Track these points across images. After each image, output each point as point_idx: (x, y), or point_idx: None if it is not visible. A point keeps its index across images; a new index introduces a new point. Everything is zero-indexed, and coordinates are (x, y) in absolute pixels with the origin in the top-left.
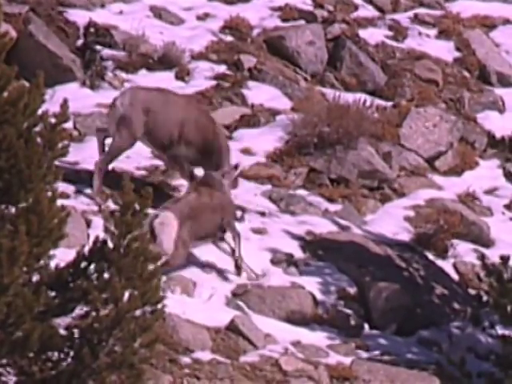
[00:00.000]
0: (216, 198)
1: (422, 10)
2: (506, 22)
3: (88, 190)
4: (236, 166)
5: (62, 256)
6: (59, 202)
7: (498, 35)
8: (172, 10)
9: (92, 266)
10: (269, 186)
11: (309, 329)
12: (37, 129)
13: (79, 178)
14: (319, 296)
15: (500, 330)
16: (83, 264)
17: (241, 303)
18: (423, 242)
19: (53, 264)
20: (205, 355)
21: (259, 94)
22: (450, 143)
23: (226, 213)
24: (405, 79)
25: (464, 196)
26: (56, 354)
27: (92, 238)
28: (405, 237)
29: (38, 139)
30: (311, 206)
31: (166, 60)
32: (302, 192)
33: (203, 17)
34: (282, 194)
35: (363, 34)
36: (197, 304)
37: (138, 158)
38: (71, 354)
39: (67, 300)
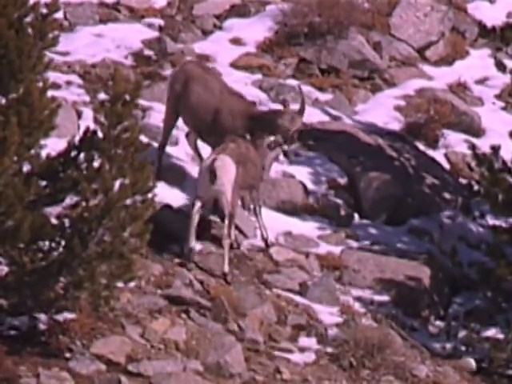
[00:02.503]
0: (252, 151)
1: None
2: None
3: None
4: None
5: (52, 146)
6: (50, 92)
7: None
8: None
9: (82, 156)
10: (259, 76)
11: (299, 219)
12: (28, 19)
13: (70, 69)
14: (310, 186)
15: (491, 220)
16: (73, 153)
17: None
18: (414, 132)
19: (44, 154)
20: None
21: None
22: (441, 33)
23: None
24: None
25: (455, 86)
26: (47, 243)
27: (83, 129)
28: (395, 126)
29: (29, 29)
30: None
31: None
32: (292, 82)
33: None
34: (272, 83)
35: None
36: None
37: (127, 47)
38: (62, 243)
39: (58, 190)
